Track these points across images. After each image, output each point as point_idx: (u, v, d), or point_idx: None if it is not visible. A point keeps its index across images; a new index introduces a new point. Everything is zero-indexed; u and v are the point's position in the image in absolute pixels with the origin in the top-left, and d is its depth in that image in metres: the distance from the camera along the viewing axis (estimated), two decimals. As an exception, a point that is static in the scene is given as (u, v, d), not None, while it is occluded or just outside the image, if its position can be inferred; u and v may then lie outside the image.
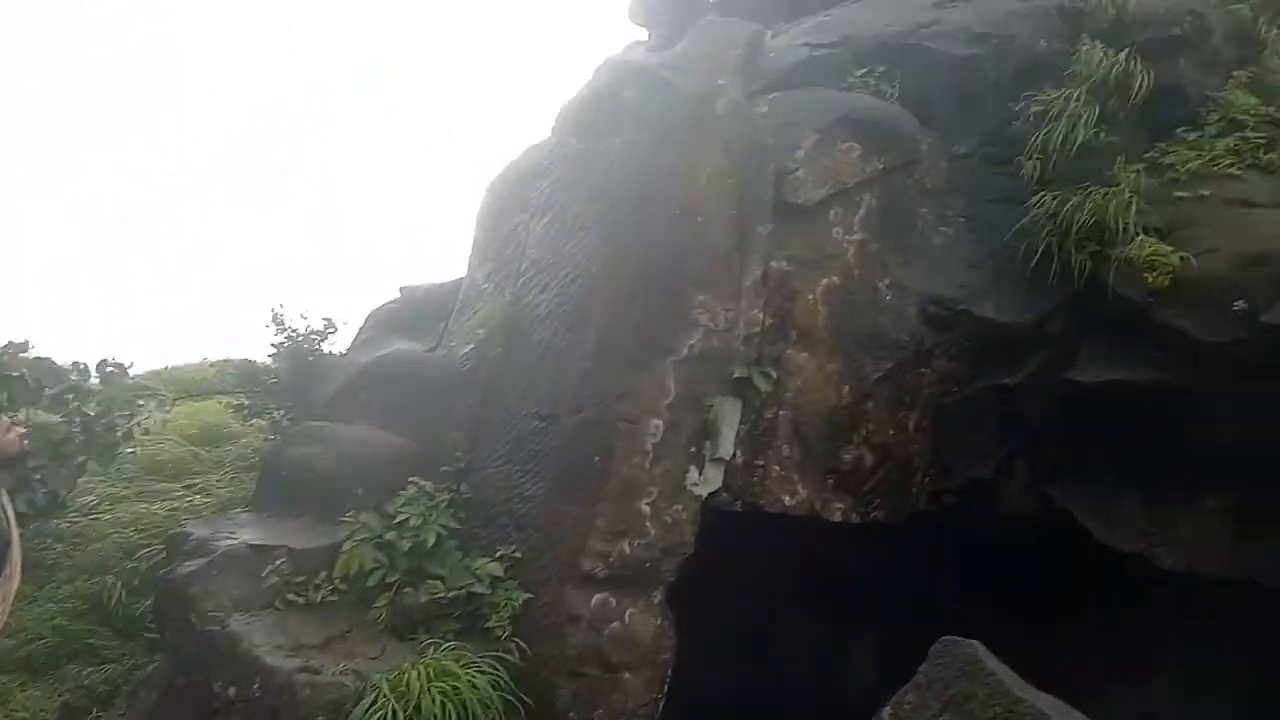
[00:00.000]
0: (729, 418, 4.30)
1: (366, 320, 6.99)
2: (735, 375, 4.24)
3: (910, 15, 5.21)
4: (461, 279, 6.10)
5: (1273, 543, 4.06)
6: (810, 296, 4.42)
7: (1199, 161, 4.78)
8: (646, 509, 4.05)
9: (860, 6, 5.60)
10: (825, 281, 4.43)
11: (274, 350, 6.17)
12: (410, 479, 4.58)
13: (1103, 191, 4.65)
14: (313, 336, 6.14)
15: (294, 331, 6.11)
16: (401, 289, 7.16)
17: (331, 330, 6.27)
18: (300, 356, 6.08)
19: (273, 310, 6.08)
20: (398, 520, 4.38)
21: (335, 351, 6.39)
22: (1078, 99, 4.77)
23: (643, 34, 8.06)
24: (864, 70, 4.92)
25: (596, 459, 4.05)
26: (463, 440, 4.81)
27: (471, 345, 5.19)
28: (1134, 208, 4.55)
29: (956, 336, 4.66)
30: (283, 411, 6.14)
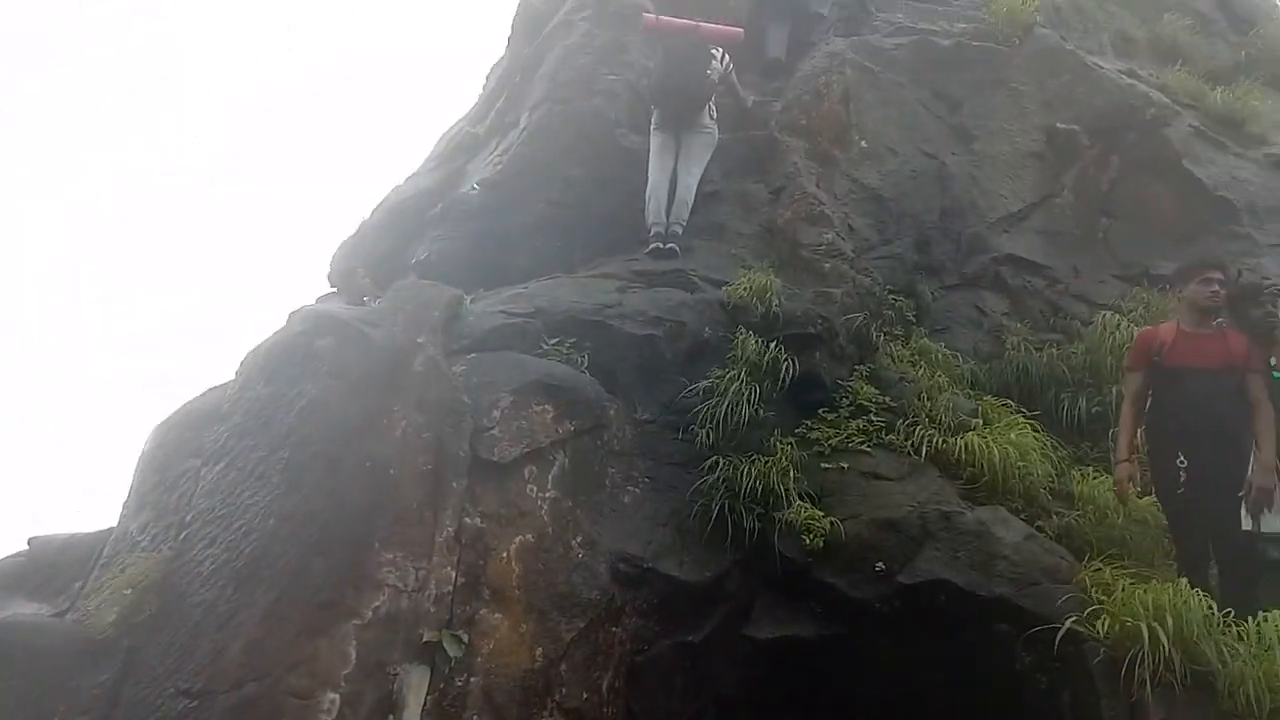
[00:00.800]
0: (416, 687, 3.97)
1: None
2: (424, 639, 3.98)
3: (597, 296, 5.78)
4: (110, 529, 5.32)
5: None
6: (504, 554, 4.37)
7: (837, 438, 5.57)
8: (312, 804, 3.53)
9: (553, 283, 6.12)
10: (520, 539, 4.43)
11: None
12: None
13: (765, 460, 5.24)
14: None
15: None
16: (31, 540, 6.05)
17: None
18: None
19: None
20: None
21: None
22: (739, 379, 5.46)
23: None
24: (556, 339, 5.29)
25: (255, 746, 3.51)
26: (85, 730, 3.97)
27: (116, 609, 4.44)
28: (791, 476, 5.16)
29: (645, 594, 4.79)
30: None
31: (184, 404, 5.52)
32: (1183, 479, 4.50)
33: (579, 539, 4.59)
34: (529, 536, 4.39)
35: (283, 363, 4.75)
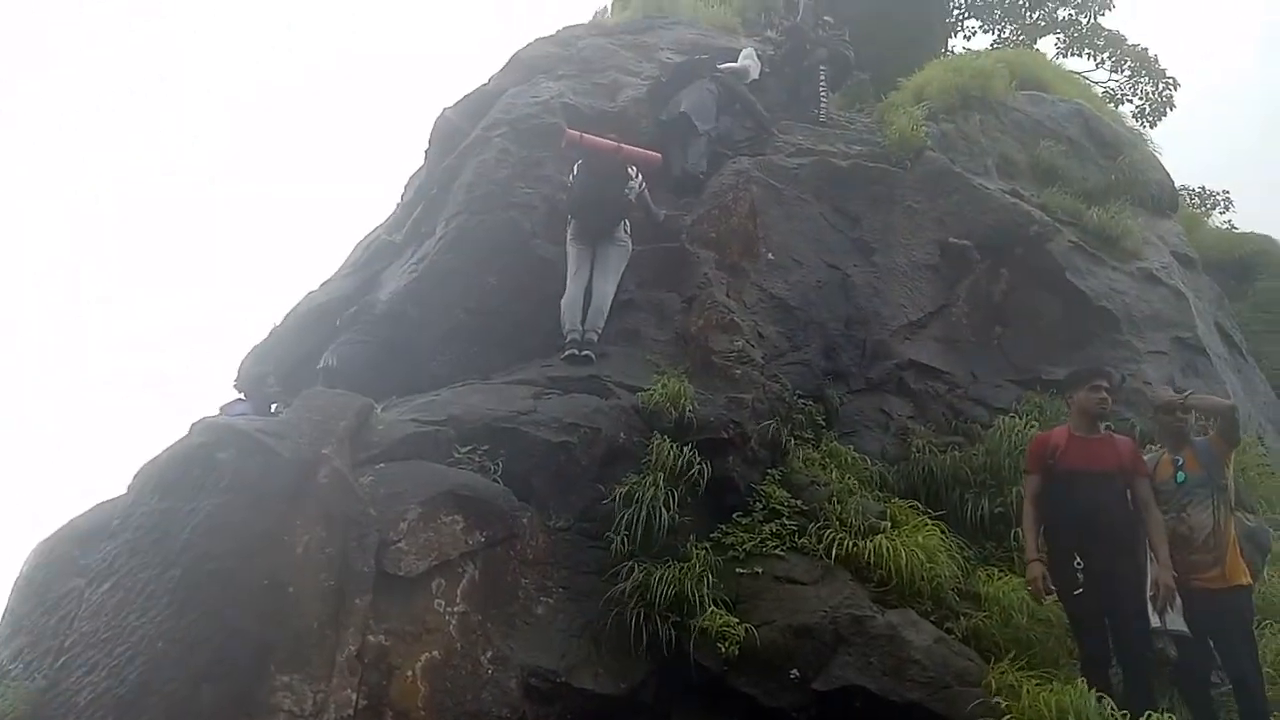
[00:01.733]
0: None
1: None
2: (320, 769, 3.77)
3: (511, 403, 5.77)
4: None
5: None
6: (409, 673, 4.19)
7: (752, 542, 5.60)
8: None
9: (467, 390, 6.10)
10: (426, 656, 4.26)
11: None
12: None
13: (680, 566, 5.22)
14: None
15: None
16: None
17: None
18: None
19: None
20: None
21: None
22: (655, 484, 5.48)
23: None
24: (469, 448, 5.24)
25: None
26: None
27: (-25, 750, 4.08)
28: (706, 582, 5.13)
29: (559, 709, 4.64)
30: None
31: (69, 520, 5.23)
32: (1080, 579, 4.65)
33: (489, 654, 4.44)
34: (436, 653, 4.24)
35: (180, 476, 4.57)
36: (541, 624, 4.87)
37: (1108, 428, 5.14)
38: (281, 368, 7.92)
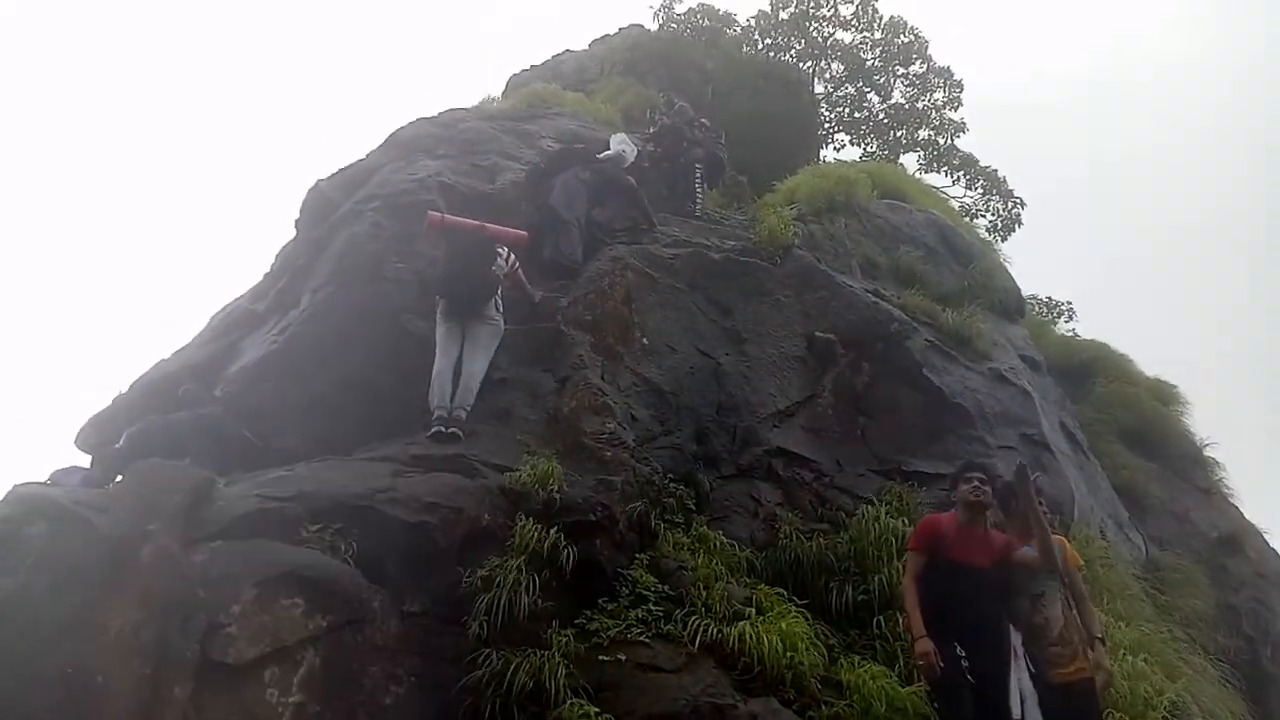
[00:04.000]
0: None
1: None
2: None
3: (369, 480, 5.49)
4: None
5: None
6: (233, 773, 3.80)
7: (617, 628, 5.42)
8: None
9: (322, 466, 5.79)
10: (253, 754, 3.88)
11: None
12: None
13: (540, 654, 4.99)
14: None
15: None
16: None
17: None
18: None
19: None
20: None
21: None
22: (518, 568, 5.27)
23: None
24: (319, 526, 4.92)
25: None
26: None
27: None
28: (565, 670, 4.92)
29: (402, 812, 4.29)
30: None
31: None
32: (966, 667, 4.71)
33: (326, 751, 4.08)
34: (265, 750, 3.86)
35: (-18, 552, 4.09)
36: (389, 715, 4.52)
37: (988, 521, 5.29)
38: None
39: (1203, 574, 9.05)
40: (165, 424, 6.36)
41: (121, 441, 6.41)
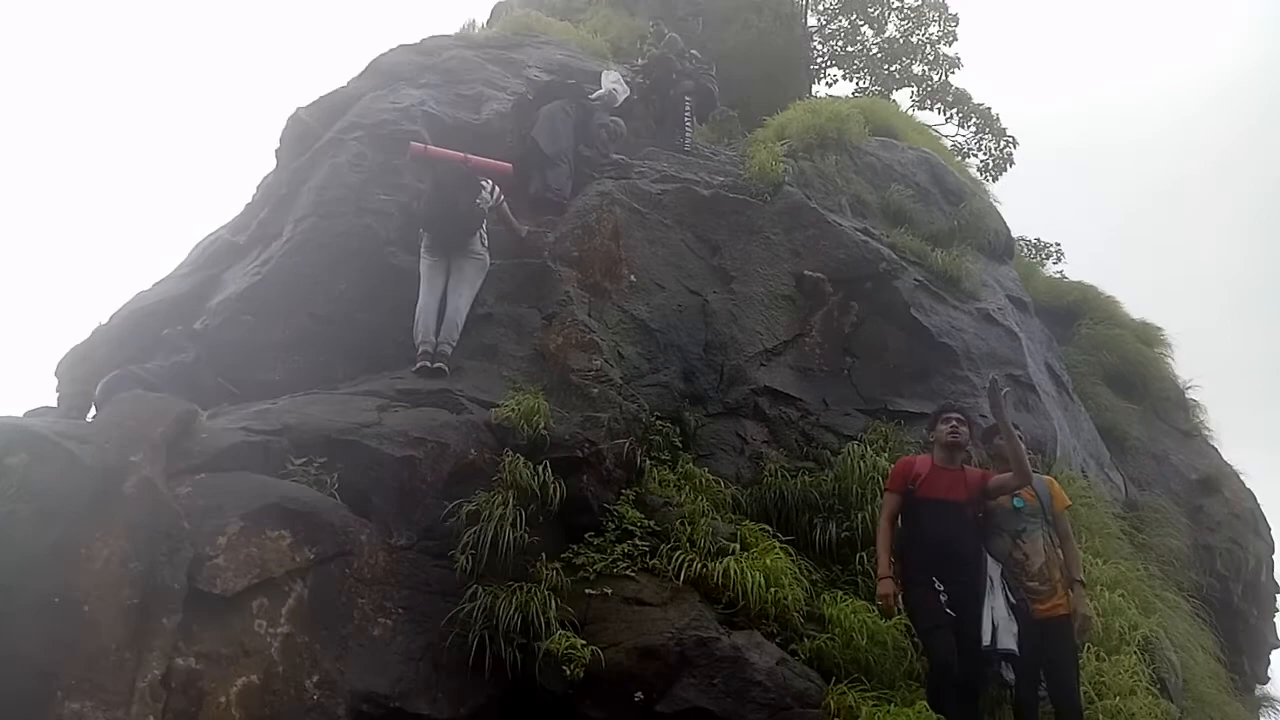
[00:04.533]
0: None
1: None
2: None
3: (354, 414, 5.46)
4: None
5: None
6: (223, 698, 3.84)
7: (603, 563, 5.48)
8: None
9: (306, 399, 5.75)
10: (242, 680, 3.91)
11: None
12: None
13: (527, 588, 5.04)
14: None
15: None
16: None
17: None
18: None
19: None
20: None
21: None
22: (505, 503, 5.29)
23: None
24: (304, 460, 4.90)
25: None
26: None
27: None
28: (553, 604, 4.98)
29: (389, 738, 4.37)
30: None
31: None
32: (945, 601, 4.79)
33: (315, 679, 4.13)
34: (254, 678, 3.89)
35: (-39, 483, 4.04)
36: (377, 646, 4.59)
37: (965, 462, 5.33)
38: (101, 371, 7.22)
39: (1180, 514, 9.22)
40: (140, 374, 6.26)
41: (96, 391, 6.32)
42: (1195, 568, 8.53)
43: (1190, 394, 11.32)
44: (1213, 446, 10.88)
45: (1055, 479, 5.73)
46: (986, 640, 4.76)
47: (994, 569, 5.03)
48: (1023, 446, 5.11)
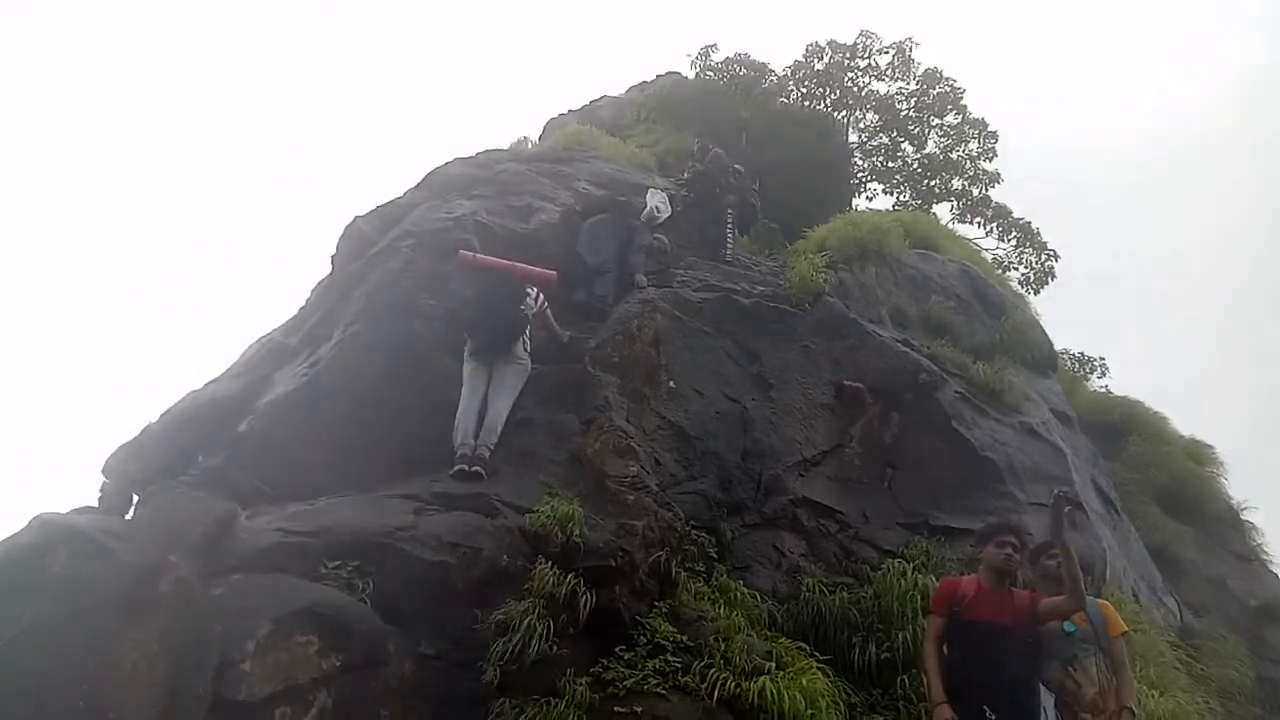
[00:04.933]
0: None
1: None
2: None
3: (390, 517, 5.48)
4: None
5: None
6: (240, 814, 3.75)
7: (633, 679, 5.31)
8: None
9: (344, 501, 5.79)
10: (261, 795, 3.83)
11: None
12: None
13: (553, 703, 4.91)
14: None
15: None
16: None
17: None
18: None
19: None
20: None
21: None
22: (534, 613, 5.21)
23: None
24: (337, 563, 4.91)
25: None
26: None
27: None
28: (578, 723, 4.83)
29: None
30: None
31: None
32: None
33: (335, 795, 4.02)
34: (272, 792, 3.81)
35: (6, 578, 4.10)
36: (399, 761, 4.47)
37: (1011, 584, 5.16)
38: (148, 469, 7.39)
39: (1240, 643, 8.75)
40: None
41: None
42: (1259, 702, 8.03)
43: (1245, 515, 10.91)
44: (1272, 572, 10.40)
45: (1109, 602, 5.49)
46: None
47: (1047, 699, 4.78)
48: (1079, 569, 4.91)
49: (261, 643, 4.05)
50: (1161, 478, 10.68)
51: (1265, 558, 10.56)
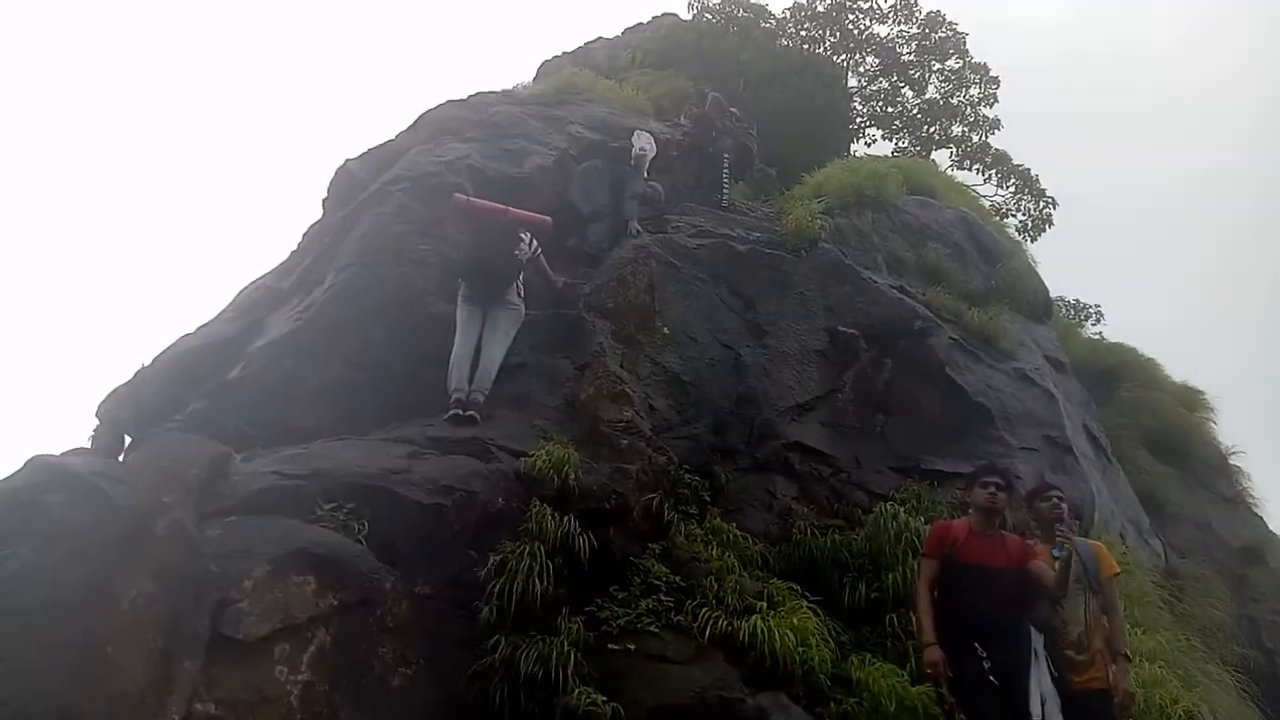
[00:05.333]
0: None
1: None
2: None
3: (385, 460, 5.51)
4: None
5: None
6: (241, 747, 3.83)
7: (627, 618, 5.42)
8: None
9: (339, 445, 5.81)
10: (261, 729, 3.91)
11: None
12: None
13: (549, 640, 5.00)
14: None
15: None
16: None
17: None
18: None
19: None
20: None
21: None
22: (531, 554, 5.27)
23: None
24: (333, 505, 4.94)
25: None
26: None
27: None
28: (573, 659, 4.93)
29: (403, 794, 4.32)
30: None
31: None
32: (988, 668, 4.64)
33: (333, 729, 4.10)
34: (272, 727, 3.88)
35: (1, 519, 4.13)
36: (398, 697, 4.56)
37: (1001, 525, 5.22)
38: (142, 413, 7.40)
39: (1223, 583, 8.91)
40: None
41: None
42: (1239, 640, 8.20)
43: (1233, 459, 11.02)
44: (1257, 515, 10.56)
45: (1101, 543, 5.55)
46: (1037, 714, 4.58)
47: (1037, 640, 4.86)
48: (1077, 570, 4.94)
49: (259, 582, 4.10)
50: (1152, 423, 10.76)
51: (1251, 500, 10.71)
